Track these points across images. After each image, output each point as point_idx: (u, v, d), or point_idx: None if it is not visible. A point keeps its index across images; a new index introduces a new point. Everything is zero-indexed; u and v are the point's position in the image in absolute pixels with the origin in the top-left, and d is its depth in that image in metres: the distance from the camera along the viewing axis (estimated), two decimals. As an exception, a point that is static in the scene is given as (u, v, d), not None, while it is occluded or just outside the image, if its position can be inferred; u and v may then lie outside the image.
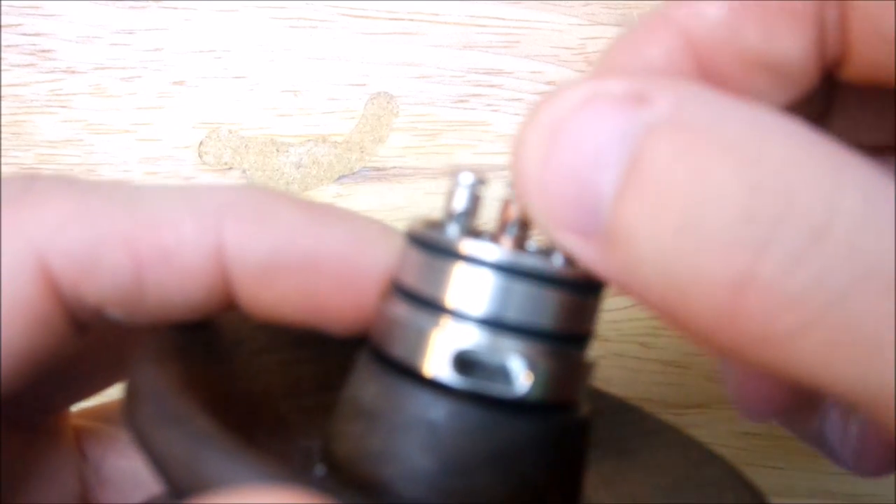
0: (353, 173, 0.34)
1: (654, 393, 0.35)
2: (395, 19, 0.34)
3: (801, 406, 0.23)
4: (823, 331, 0.13)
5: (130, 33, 0.34)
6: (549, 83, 0.35)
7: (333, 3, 0.34)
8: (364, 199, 0.34)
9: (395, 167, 0.35)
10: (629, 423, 0.22)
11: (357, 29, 0.34)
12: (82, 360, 0.22)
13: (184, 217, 0.18)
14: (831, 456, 0.23)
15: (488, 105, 0.35)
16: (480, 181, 0.17)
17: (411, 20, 0.34)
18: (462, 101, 0.34)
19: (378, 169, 0.34)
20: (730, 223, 0.13)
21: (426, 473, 0.16)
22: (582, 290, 0.17)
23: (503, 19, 0.34)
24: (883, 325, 0.12)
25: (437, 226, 0.18)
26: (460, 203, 0.17)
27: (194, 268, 0.18)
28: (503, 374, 0.16)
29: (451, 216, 0.17)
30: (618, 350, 0.35)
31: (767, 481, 0.38)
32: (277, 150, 0.34)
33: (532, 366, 0.16)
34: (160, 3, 0.34)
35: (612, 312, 0.35)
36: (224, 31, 0.34)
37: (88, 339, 0.20)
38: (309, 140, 0.34)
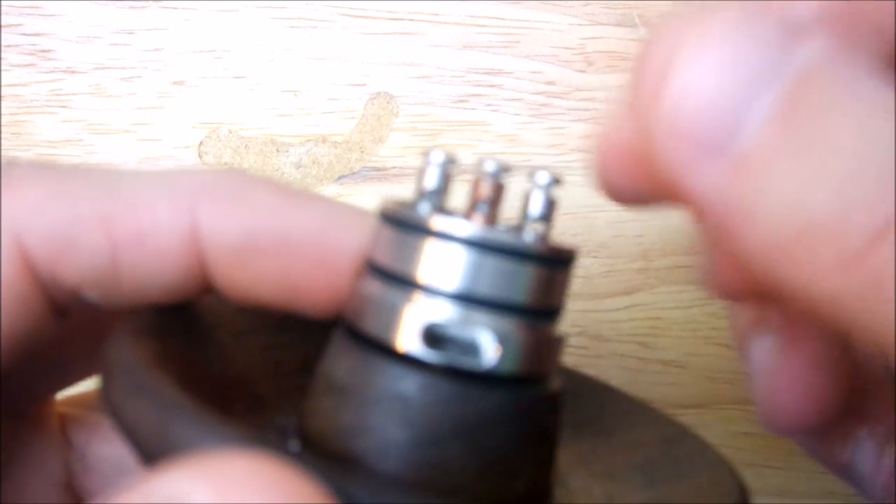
0: (353, 173, 0.35)
1: (654, 393, 0.35)
2: (395, 19, 0.34)
3: (832, 428, 0.22)
4: None
5: (130, 33, 0.34)
6: (549, 83, 0.35)
7: (333, 3, 0.34)
8: (364, 199, 0.34)
9: (395, 167, 0.35)
10: (606, 403, 0.22)
11: (357, 29, 0.34)
12: (65, 347, 0.22)
13: (159, 199, 0.18)
14: (858, 486, 0.23)
15: (488, 105, 0.35)
16: (451, 160, 0.17)
17: (411, 20, 0.34)
18: (462, 101, 0.34)
19: (378, 169, 0.34)
20: (882, 177, 0.13)
21: (398, 446, 0.16)
22: (552, 264, 0.17)
23: (503, 19, 0.34)
24: None
25: (410, 204, 0.18)
26: (431, 181, 0.17)
27: (170, 249, 0.18)
28: (473, 347, 0.16)
29: (422, 194, 0.17)
30: (618, 350, 0.35)
31: (767, 481, 0.38)
32: (277, 150, 0.34)
33: (501, 339, 0.16)
34: (160, 3, 0.34)
35: (612, 312, 0.35)
36: (224, 31, 0.34)
37: (70, 326, 0.20)
38: (309, 140, 0.34)
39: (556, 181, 0.18)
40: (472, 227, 0.17)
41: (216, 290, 0.19)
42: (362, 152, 0.34)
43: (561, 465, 0.20)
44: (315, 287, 0.19)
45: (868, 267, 0.13)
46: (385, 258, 0.17)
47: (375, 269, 0.18)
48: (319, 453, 0.17)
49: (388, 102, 0.34)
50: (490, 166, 0.17)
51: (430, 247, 0.17)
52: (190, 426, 0.15)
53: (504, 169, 0.17)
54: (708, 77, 0.14)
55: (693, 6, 0.15)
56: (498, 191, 0.17)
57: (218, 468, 0.13)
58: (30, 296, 0.18)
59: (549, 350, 0.18)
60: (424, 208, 0.17)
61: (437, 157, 0.17)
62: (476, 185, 0.17)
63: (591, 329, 0.35)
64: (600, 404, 0.22)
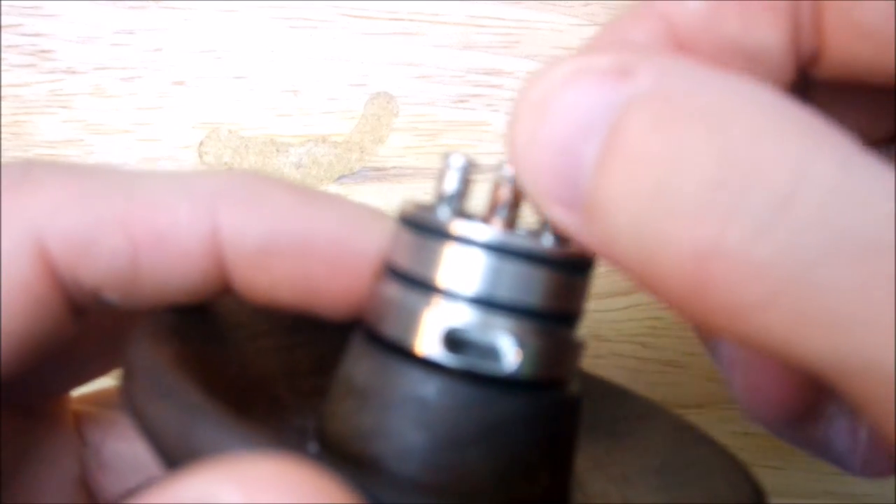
0: (353, 173, 0.35)
1: (654, 393, 0.35)
2: (395, 19, 0.34)
3: (807, 411, 0.23)
4: (791, 302, 0.13)
5: (130, 33, 0.34)
6: (548, 83, 0.35)
7: (333, 3, 0.34)
8: (364, 200, 0.34)
9: (395, 167, 0.35)
10: (621, 406, 0.22)
11: (357, 29, 0.34)
12: (81, 344, 0.22)
13: (180, 201, 0.18)
14: (838, 462, 0.23)
15: (488, 105, 0.35)
16: (471, 164, 0.17)
17: (411, 20, 0.34)
18: (462, 101, 0.34)
19: (378, 169, 0.34)
20: (697, 192, 0.13)
21: (417, 449, 0.16)
22: (571, 269, 0.17)
23: (503, 19, 0.34)
24: (852, 296, 0.12)
25: (429, 208, 0.18)
26: (451, 185, 0.17)
27: (190, 251, 0.18)
28: (493, 351, 0.16)
29: (442, 198, 0.17)
30: (618, 350, 0.35)
31: (767, 481, 0.37)
32: (277, 150, 0.34)
33: (521, 344, 0.16)
34: (160, 3, 0.34)
35: (612, 312, 0.35)
36: (224, 31, 0.34)
37: (87, 324, 0.20)
38: (309, 140, 0.34)
39: None
40: (492, 232, 0.17)
41: (235, 291, 0.19)
42: (362, 152, 0.34)
43: (578, 469, 0.20)
44: (334, 289, 0.19)
45: (713, 288, 0.13)
46: (404, 261, 0.17)
47: (394, 272, 0.18)
48: (338, 456, 0.17)
49: (388, 102, 0.34)
50: (510, 171, 0.17)
51: (449, 251, 0.17)
52: (213, 429, 0.15)
53: None
54: (550, 137, 0.15)
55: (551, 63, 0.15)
56: (517, 195, 0.17)
57: (246, 470, 0.13)
58: (49, 298, 0.18)
59: (568, 355, 0.18)
60: (444, 212, 0.17)
61: (457, 162, 0.17)
62: (496, 189, 0.17)
63: (591, 329, 0.35)
64: (614, 406, 0.22)
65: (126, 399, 0.16)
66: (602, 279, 0.36)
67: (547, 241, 0.17)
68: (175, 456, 0.15)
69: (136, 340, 0.18)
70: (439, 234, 0.17)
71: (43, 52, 0.33)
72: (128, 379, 0.17)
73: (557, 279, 0.17)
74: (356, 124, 0.34)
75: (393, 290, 0.17)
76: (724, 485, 0.19)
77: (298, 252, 0.18)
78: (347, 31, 0.34)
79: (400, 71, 0.34)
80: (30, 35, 0.33)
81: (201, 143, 0.34)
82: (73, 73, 0.34)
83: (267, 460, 0.13)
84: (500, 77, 0.34)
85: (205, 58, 0.34)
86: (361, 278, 0.18)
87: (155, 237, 0.18)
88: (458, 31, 0.34)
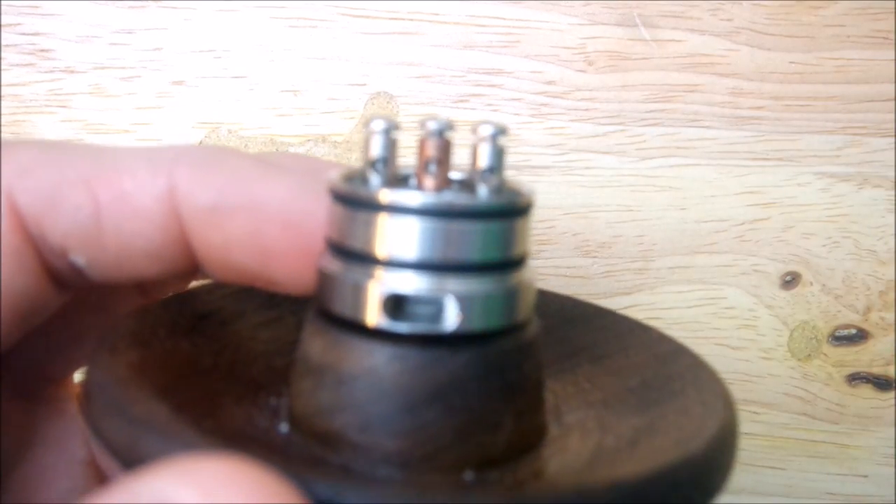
0: (353, 173, 0.34)
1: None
2: (395, 19, 0.34)
3: None
4: None
5: (130, 33, 0.33)
6: (549, 83, 0.35)
7: (333, 3, 0.34)
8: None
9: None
10: (601, 327, 0.23)
11: (357, 29, 0.34)
12: (75, 326, 0.23)
13: (140, 164, 0.19)
14: None
15: (488, 105, 0.35)
16: (394, 126, 0.18)
17: (411, 20, 0.34)
18: (462, 100, 0.34)
19: (378, 169, 0.34)
20: None
21: (376, 418, 0.17)
22: (506, 216, 0.17)
23: (503, 19, 0.34)
24: None
25: (358, 177, 0.18)
26: (376, 150, 0.18)
27: (149, 209, 0.19)
28: (436, 313, 0.17)
29: (369, 164, 0.18)
30: (618, 350, 0.35)
31: (767, 481, 0.38)
32: (277, 150, 0.34)
33: (465, 300, 0.17)
34: (160, 3, 0.33)
35: (612, 312, 0.35)
36: (224, 31, 0.34)
37: (79, 306, 0.21)
38: (309, 140, 0.34)
39: (501, 132, 0.18)
40: (422, 197, 0.17)
41: (197, 257, 0.20)
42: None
43: (558, 398, 0.20)
44: (287, 251, 0.19)
45: None
46: (342, 236, 0.18)
47: (335, 248, 0.18)
48: (307, 434, 0.18)
49: (387, 102, 0.34)
50: (433, 125, 0.17)
51: (382, 220, 0.17)
52: (158, 440, 0.15)
53: (449, 126, 0.18)
54: None
55: None
56: (445, 148, 0.17)
57: (201, 470, 0.13)
58: (23, 251, 0.19)
59: (517, 300, 0.18)
60: (374, 181, 0.17)
61: (379, 125, 0.18)
62: (422, 145, 0.17)
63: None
64: (595, 329, 0.23)
65: (84, 416, 0.17)
66: (602, 279, 0.36)
67: (482, 192, 0.17)
68: (129, 467, 0.16)
69: (94, 353, 0.18)
70: (370, 205, 0.17)
71: (42, 51, 0.33)
72: (84, 397, 0.18)
73: (494, 230, 0.17)
74: (356, 124, 0.34)
75: (335, 266, 0.18)
76: (696, 402, 0.19)
77: (249, 210, 0.19)
78: (347, 31, 0.34)
79: (400, 71, 0.34)
80: (29, 34, 0.33)
81: (201, 143, 0.34)
82: (73, 72, 0.34)
83: (221, 461, 0.14)
84: (500, 77, 0.34)
85: (205, 58, 0.34)
86: (314, 242, 0.19)
87: (116, 195, 0.19)
88: (458, 30, 0.34)
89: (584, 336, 0.22)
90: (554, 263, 0.35)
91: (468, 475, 0.17)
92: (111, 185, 0.19)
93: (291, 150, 0.34)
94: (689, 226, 0.35)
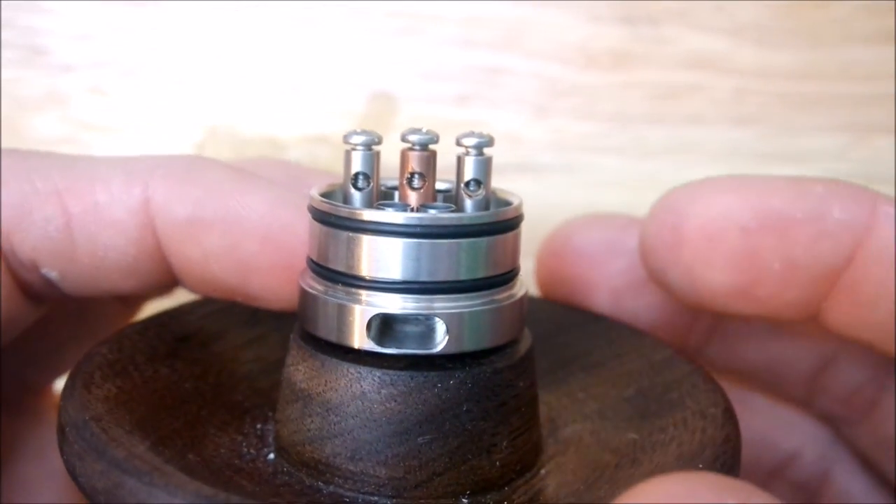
0: (353, 173, 0.34)
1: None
2: (396, 18, 0.34)
3: None
4: None
5: (128, 31, 0.33)
6: (550, 82, 0.34)
7: (333, 3, 0.33)
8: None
9: (394, 167, 0.34)
10: (593, 334, 0.22)
11: (357, 28, 0.34)
12: (53, 337, 0.23)
13: (114, 175, 0.19)
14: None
15: (489, 104, 0.34)
16: (375, 140, 0.17)
17: (411, 19, 0.34)
18: (463, 100, 0.34)
19: (378, 168, 0.34)
20: None
21: (366, 446, 0.16)
22: (496, 231, 0.17)
23: (504, 18, 0.34)
24: None
25: (339, 192, 0.18)
26: (357, 165, 0.17)
27: (123, 222, 0.19)
28: (424, 334, 0.16)
29: (351, 180, 0.17)
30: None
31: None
32: (277, 150, 0.34)
33: (452, 320, 0.16)
34: (159, 2, 0.33)
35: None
36: (224, 31, 0.33)
37: (55, 317, 0.21)
38: (309, 140, 0.34)
39: (486, 143, 0.17)
40: (404, 216, 0.16)
41: (174, 271, 0.19)
42: (362, 152, 0.34)
43: (552, 410, 0.20)
44: (266, 265, 0.19)
45: None
46: (323, 255, 0.17)
47: (317, 267, 0.17)
48: (294, 461, 0.17)
49: (388, 102, 0.34)
50: (415, 137, 0.17)
51: (365, 240, 0.16)
52: (139, 485, 0.15)
53: (432, 138, 0.17)
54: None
55: None
56: (428, 161, 0.17)
57: None
58: None
59: (505, 317, 0.17)
60: (355, 198, 0.17)
61: (358, 139, 0.17)
62: (404, 158, 0.17)
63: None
64: (588, 336, 0.22)
65: (62, 456, 0.16)
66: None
67: (467, 207, 0.17)
68: None
69: (68, 388, 0.17)
70: (351, 225, 0.16)
71: (39, 48, 0.33)
72: (60, 434, 0.17)
73: (481, 246, 0.17)
74: (356, 124, 0.34)
75: (317, 286, 0.17)
76: (695, 414, 0.18)
77: (227, 224, 0.19)
78: (347, 31, 0.34)
79: (400, 70, 0.34)
80: (26, 32, 0.33)
81: (201, 143, 0.34)
82: (70, 70, 0.33)
83: None
84: (500, 75, 0.34)
85: (205, 57, 0.33)
86: (293, 256, 0.19)
87: (87, 206, 0.19)
88: (459, 29, 0.34)
89: (577, 343, 0.22)
90: (555, 263, 0.35)
91: (463, 502, 0.17)
92: (83, 196, 0.19)
93: (291, 150, 0.34)
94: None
